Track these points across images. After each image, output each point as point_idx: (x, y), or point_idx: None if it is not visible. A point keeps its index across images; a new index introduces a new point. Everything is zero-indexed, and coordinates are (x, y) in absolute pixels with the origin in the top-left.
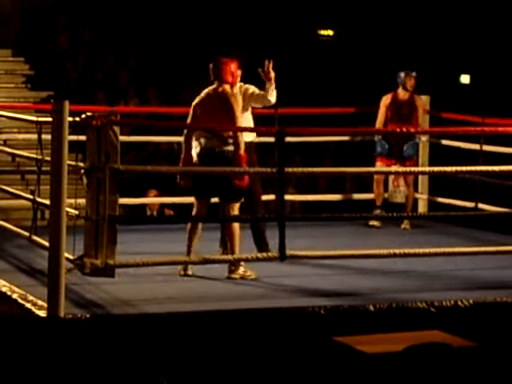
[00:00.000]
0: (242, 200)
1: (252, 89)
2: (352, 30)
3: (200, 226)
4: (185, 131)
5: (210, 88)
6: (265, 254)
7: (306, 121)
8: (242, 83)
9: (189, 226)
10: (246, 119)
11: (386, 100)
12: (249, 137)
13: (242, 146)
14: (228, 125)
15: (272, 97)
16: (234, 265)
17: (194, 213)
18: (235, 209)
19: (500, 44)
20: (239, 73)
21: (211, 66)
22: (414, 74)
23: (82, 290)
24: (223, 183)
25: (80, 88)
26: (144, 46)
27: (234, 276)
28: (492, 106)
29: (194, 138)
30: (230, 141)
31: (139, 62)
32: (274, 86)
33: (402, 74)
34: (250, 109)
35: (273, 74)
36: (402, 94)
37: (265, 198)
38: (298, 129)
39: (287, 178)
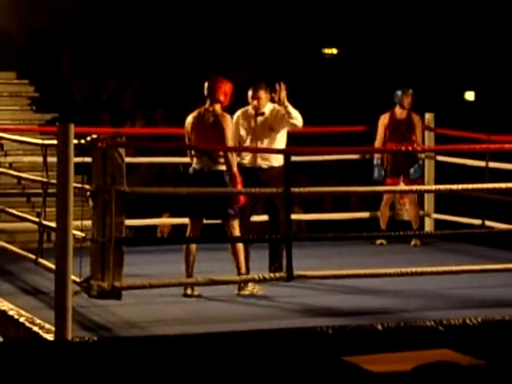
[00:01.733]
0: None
1: (278, 111)
2: (356, 48)
3: (195, 246)
4: (188, 152)
5: (202, 107)
6: (272, 275)
7: (311, 139)
8: (275, 105)
9: (184, 247)
10: (278, 141)
11: (383, 119)
12: (277, 161)
13: (235, 166)
14: (222, 145)
15: (294, 120)
16: (244, 282)
17: (187, 233)
18: (236, 227)
19: (505, 60)
20: (266, 95)
21: (206, 83)
22: (410, 91)
23: (89, 312)
24: (216, 203)
25: (85, 109)
26: (148, 66)
27: (243, 293)
28: (497, 123)
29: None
30: (221, 160)
31: (144, 83)
32: (289, 108)
33: (399, 93)
34: (282, 131)
35: (283, 96)
36: (399, 112)
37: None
38: (303, 148)
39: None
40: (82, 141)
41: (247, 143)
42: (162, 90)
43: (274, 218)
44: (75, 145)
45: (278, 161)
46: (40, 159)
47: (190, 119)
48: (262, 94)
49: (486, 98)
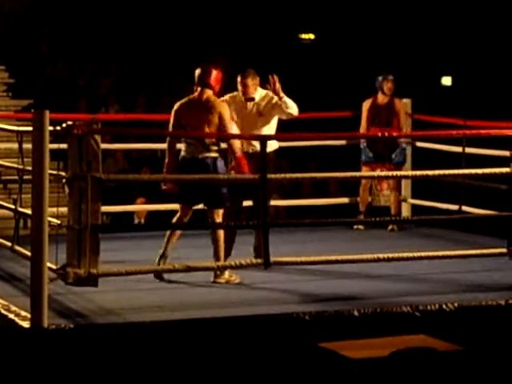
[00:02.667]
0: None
1: (276, 99)
2: (333, 34)
3: (179, 230)
4: (168, 138)
5: (191, 95)
6: (248, 261)
7: (288, 125)
8: (268, 91)
9: (168, 231)
10: (270, 127)
11: (366, 105)
12: (275, 146)
13: (238, 151)
14: (220, 131)
15: (289, 109)
16: (219, 270)
17: (176, 218)
18: (220, 215)
19: (481, 45)
20: (254, 82)
21: (198, 70)
22: (391, 77)
23: (65, 299)
24: (208, 190)
25: (61, 96)
26: (127, 53)
27: (219, 281)
28: (474, 108)
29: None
30: (213, 147)
31: (122, 69)
32: (285, 99)
33: (380, 78)
34: (275, 118)
35: (278, 88)
36: (381, 98)
37: (245, 204)
38: (280, 134)
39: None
40: (58, 127)
41: (238, 129)
42: (141, 76)
43: (262, 202)
44: (51, 131)
45: (272, 146)
46: (16, 146)
47: (179, 106)
48: (249, 81)
49: (463, 83)
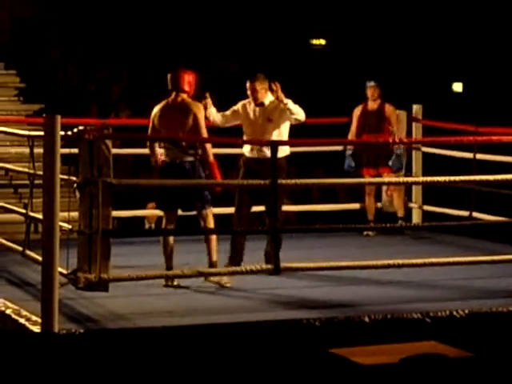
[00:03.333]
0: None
1: (279, 103)
2: (344, 39)
3: (172, 238)
4: (147, 142)
5: (169, 98)
6: (259, 267)
7: (298, 130)
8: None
9: (161, 240)
10: (281, 133)
11: (356, 111)
12: (286, 151)
13: (211, 154)
14: (195, 134)
15: (295, 115)
16: (202, 275)
17: (162, 225)
18: (209, 217)
19: (492, 51)
20: (262, 86)
21: (169, 75)
22: (371, 83)
23: (76, 304)
24: (190, 194)
25: (72, 100)
26: (137, 58)
27: (209, 280)
28: (485, 114)
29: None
30: (192, 151)
31: (131, 75)
32: (289, 105)
33: (366, 85)
34: (285, 123)
35: (280, 96)
36: (370, 104)
37: (255, 209)
38: (289, 140)
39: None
40: (69, 132)
41: (249, 135)
42: (151, 82)
43: (274, 207)
44: (62, 136)
45: (283, 152)
46: (27, 150)
47: (157, 111)
48: (258, 86)
49: (474, 89)
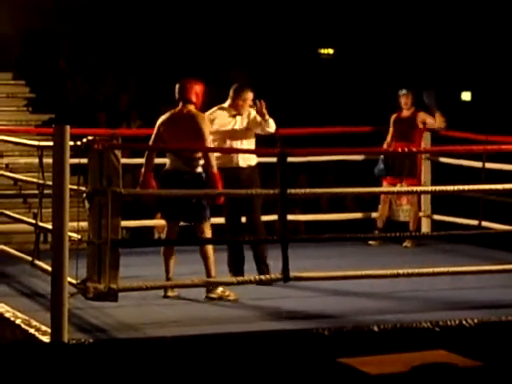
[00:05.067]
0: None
1: (254, 113)
2: (352, 49)
3: (173, 247)
4: (146, 152)
5: (175, 109)
6: (268, 276)
7: (307, 140)
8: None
9: (162, 250)
10: (253, 142)
11: (392, 118)
12: (254, 160)
13: (214, 165)
14: (199, 145)
15: (269, 128)
16: (211, 284)
17: (165, 234)
18: (207, 229)
19: (501, 60)
20: (250, 95)
21: (177, 85)
22: (404, 91)
23: (85, 314)
24: (190, 205)
25: (82, 110)
26: (146, 68)
27: (211, 296)
28: (494, 123)
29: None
30: (196, 163)
31: (141, 85)
32: (268, 119)
33: (398, 93)
34: (252, 133)
35: (265, 112)
36: (404, 112)
37: (268, 218)
38: (299, 149)
39: (291, 198)
40: (78, 142)
41: (227, 142)
42: (160, 91)
43: (251, 218)
44: (71, 146)
45: (254, 159)
46: (36, 160)
47: (162, 121)
48: (250, 95)
49: (483, 98)
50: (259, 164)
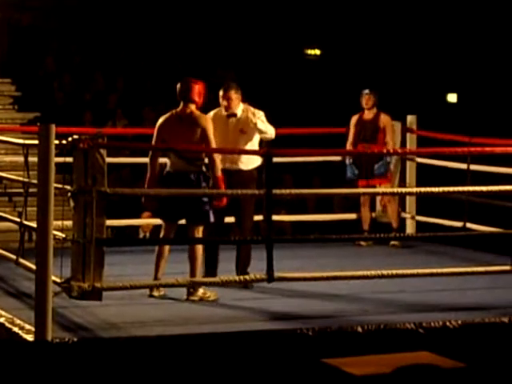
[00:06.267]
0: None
1: (257, 118)
2: (338, 50)
3: (167, 248)
4: (150, 152)
5: (176, 109)
6: (253, 276)
7: (294, 140)
8: (250, 106)
9: (156, 249)
10: (252, 144)
11: (353, 120)
12: (248, 165)
13: (219, 168)
14: (202, 146)
15: (264, 134)
16: (193, 287)
17: (161, 235)
18: (200, 231)
19: (487, 62)
20: (237, 96)
21: (179, 85)
22: (366, 91)
23: (69, 313)
24: (190, 205)
25: (68, 109)
26: (134, 67)
27: (192, 298)
28: (479, 125)
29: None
30: (200, 162)
31: (128, 84)
32: (259, 126)
33: (361, 93)
34: (256, 135)
35: (250, 116)
36: (366, 113)
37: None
38: (285, 150)
39: (278, 199)
40: (64, 141)
41: (218, 146)
42: (147, 91)
43: (240, 220)
44: (56, 145)
45: (246, 164)
46: (21, 159)
47: (162, 121)
48: (233, 95)
49: (469, 100)
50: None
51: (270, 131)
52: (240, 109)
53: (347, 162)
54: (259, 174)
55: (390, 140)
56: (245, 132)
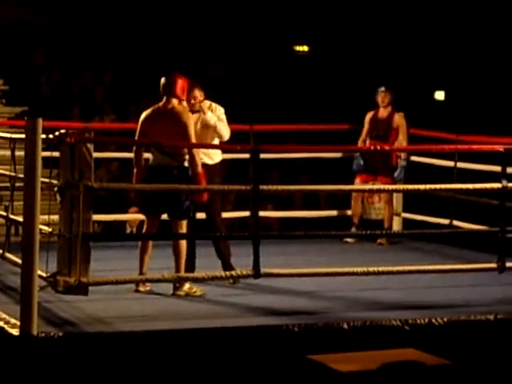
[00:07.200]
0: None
1: (217, 114)
2: (327, 46)
3: (150, 243)
4: (134, 147)
5: (159, 103)
6: (239, 272)
7: (282, 137)
8: (212, 102)
9: (140, 244)
10: (214, 138)
11: (367, 117)
12: (220, 156)
13: (199, 164)
14: (184, 141)
15: (219, 133)
16: (179, 282)
17: (144, 229)
18: (183, 226)
19: (474, 60)
20: (200, 92)
21: (163, 80)
22: (382, 89)
23: (55, 307)
24: (173, 200)
25: (55, 103)
26: (122, 62)
27: (178, 293)
28: (467, 123)
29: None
30: (183, 157)
31: (116, 78)
32: (217, 128)
33: (376, 91)
34: (214, 134)
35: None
36: (381, 111)
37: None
38: (272, 146)
39: (265, 195)
40: (51, 135)
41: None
42: (136, 86)
43: (211, 216)
44: (43, 139)
45: (212, 158)
46: (8, 153)
47: (145, 116)
48: (197, 93)
49: (456, 97)
50: (228, 162)
51: (224, 133)
52: (205, 104)
53: (355, 154)
54: (246, 169)
55: (403, 140)
56: (209, 126)
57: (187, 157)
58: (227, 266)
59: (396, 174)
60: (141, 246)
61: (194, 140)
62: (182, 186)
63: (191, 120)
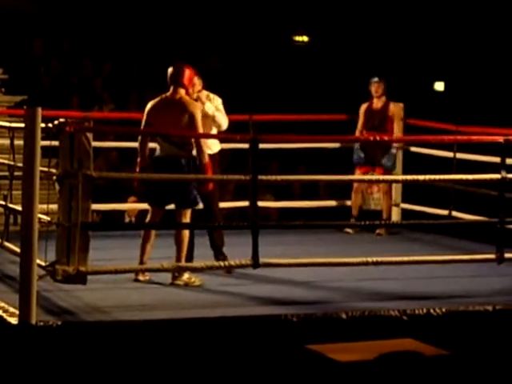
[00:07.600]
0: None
1: (215, 105)
2: (327, 36)
3: (153, 233)
4: (139, 137)
5: (166, 93)
6: (238, 262)
7: (281, 127)
8: (210, 92)
9: (142, 233)
10: (212, 127)
11: (362, 108)
12: (218, 146)
13: (206, 154)
14: (190, 131)
15: (218, 122)
16: (178, 272)
17: (147, 220)
18: (188, 215)
19: (474, 51)
20: (199, 82)
21: (170, 69)
22: (375, 79)
23: (53, 296)
24: (181, 189)
25: (55, 93)
26: (121, 52)
27: (177, 282)
28: (466, 114)
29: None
30: (190, 147)
31: (115, 68)
32: (216, 118)
33: (369, 82)
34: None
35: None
36: (375, 102)
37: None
38: (271, 136)
39: (264, 185)
40: (50, 124)
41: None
42: (135, 75)
43: (209, 206)
44: (43, 128)
45: (211, 148)
46: (7, 142)
47: (151, 106)
48: (196, 81)
49: (456, 88)
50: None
51: (222, 123)
52: (203, 94)
53: (355, 146)
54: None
55: (395, 130)
56: (207, 116)
57: (194, 146)
58: (220, 254)
59: (383, 162)
60: (143, 235)
61: (201, 130)
62: (185, 175)
63: (198, 110)
